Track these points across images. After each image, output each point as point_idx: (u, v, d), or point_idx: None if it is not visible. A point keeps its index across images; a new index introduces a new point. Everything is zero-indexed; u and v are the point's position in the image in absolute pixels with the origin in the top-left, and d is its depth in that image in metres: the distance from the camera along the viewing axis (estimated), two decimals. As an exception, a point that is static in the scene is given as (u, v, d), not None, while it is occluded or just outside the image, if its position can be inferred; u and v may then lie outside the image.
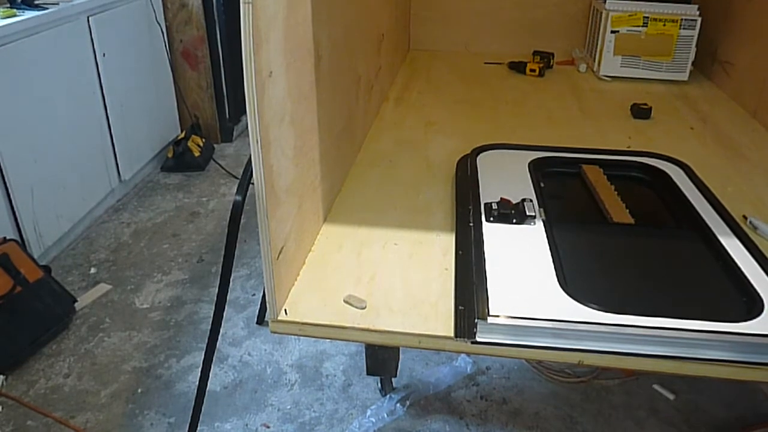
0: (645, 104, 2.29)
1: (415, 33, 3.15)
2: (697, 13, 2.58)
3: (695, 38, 2.59)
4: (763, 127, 2.23)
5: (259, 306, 2.17)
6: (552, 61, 2.85)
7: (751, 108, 2.35)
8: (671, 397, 1.81)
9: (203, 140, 3.39)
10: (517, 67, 2.80)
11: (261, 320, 2.12)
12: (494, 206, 1.49)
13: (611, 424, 1.73)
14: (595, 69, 2.76)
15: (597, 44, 2.73)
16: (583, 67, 2.84)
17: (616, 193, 1.63)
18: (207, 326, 2.06)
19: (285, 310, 1.25)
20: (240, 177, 1.44)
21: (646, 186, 1.74)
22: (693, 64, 2.65)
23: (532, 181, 1.66)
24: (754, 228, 1.54)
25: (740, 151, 2.04)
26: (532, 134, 2.13)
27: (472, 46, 3.13)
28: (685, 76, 2.66)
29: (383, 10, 2.29)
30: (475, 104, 2.41)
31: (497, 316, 1.14)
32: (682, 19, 2.56)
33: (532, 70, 2.75)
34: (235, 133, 3.76)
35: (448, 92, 2.55)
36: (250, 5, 0.96)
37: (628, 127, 2.21)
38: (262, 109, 1.05)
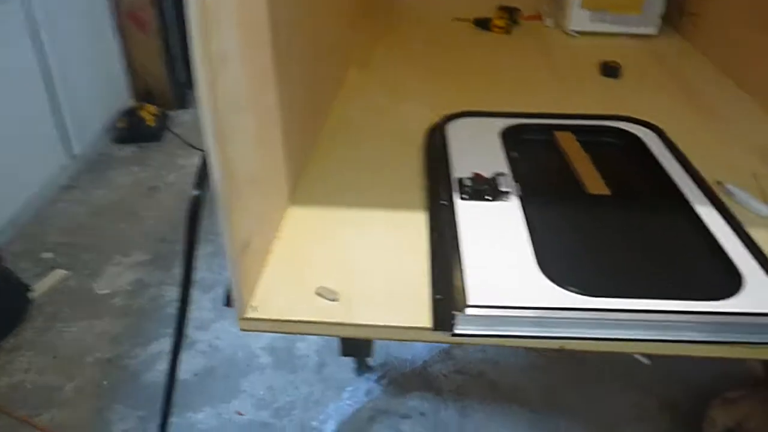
0: (614, 62, 2.22)
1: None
2: (666, -37, 2.50)
3: (664, -10, 2.52)
4: (732, 82, 2.20)
5: (226, 286, 2.10)
6: (517, 15, 2.76)
7: (720, 62, 2.31)
8: (647, 362, 1.82)
9: (157, 108, 3.23)
10: (483, 24, 2.70)
11: (229, 301, 2.04)
12: (467, 182, 1.43)
13: (589, 393, 1.74)
14: (562, 24, 2.68)
15: (564, -2, 2.64)
16: (550, 21, 2.76)
17: (590, 161, 1.59)
18: (173, 310, 1.98)
19: (254, 307, 1.18)
20: (198, 169, 1.34)
21: (620, 152, 1.69)
22: (662, 17, 2.58)
23: (505, 151, 1.60)
24: (730, 194, 1.52)
25: (712, 109, 2.00)
26: (502, 97, 2.06)
27: (439, 3, 3.01)
28: (654, 30, 2.60)
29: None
30: (442, 66, 2.31)
31: (476, 306, 1.10)
32: (650, -29, 2.49)
33: (499, 27, 2.66)
34: (191, 97, 3.59)
35: (413, 53, 2.45)
36: (195, -12, 0.85)
37: (598, 86, 2.15)
38: (215, 99, 0.96)
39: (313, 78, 1.72)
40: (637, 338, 1.10)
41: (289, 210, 1.44)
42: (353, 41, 2.47)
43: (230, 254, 1.10)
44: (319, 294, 1.22)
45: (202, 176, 1.24)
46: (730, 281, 1.18)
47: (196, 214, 1.33)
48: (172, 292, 2.08)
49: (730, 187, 1.53)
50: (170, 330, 1.54)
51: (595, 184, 1.49)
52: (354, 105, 1.99)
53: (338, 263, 1.29)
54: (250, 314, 1.17)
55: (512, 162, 1.55)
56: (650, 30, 2.60)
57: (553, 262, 1.21)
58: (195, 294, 2.10)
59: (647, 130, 1.73)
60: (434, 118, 1.84)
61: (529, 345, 1.14)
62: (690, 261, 1.27)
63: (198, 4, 0.87)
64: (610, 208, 1.44)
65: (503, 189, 1.41)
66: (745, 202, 1.49)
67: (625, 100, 2.05)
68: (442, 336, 1.12)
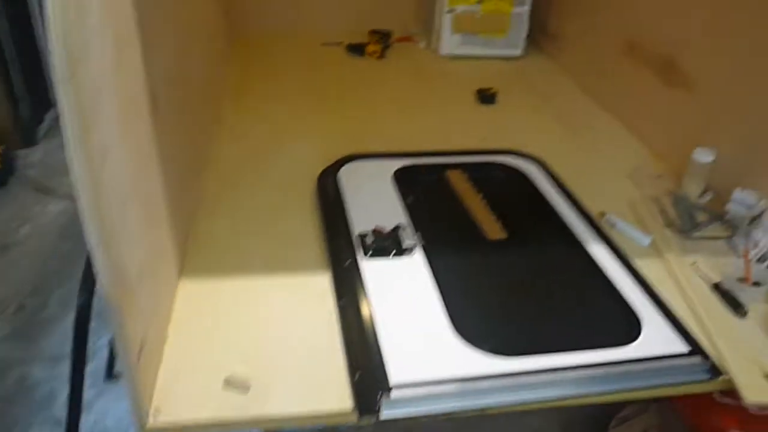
0: (490, 89, 2.29)
1: (238, 15, 2.85)
2: (527, -12, 2.62)
3: (527, 14, 2.63)
4: (595, 102, 2.34)
5: (107, 355, 1.90)
6: (391, 39, 2.76)
7: (583, 83, 2.46)
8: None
9: (1, 148, 2.87)
10: (357, 50, 2.66)
11: (111, 373, 1.85)
12: (368, 239, 1.39)
13: (490, 419, 1.77)
14: (434, 47, 2.72)
15: (434, 23, 2.67)
16: (422, 44, 2.78)
17: (484, 201, 1.60)
18: (43, 392, 1.76)
19: (156, 411, 1.06)
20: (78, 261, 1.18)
21: (510, 188, 1.73)
22: (527, 38, 2.70)
23: (400, 197, 1.58)
24: (612, 225, 1.60)
25: (583, 132, 2.11)
26: (386, 130, 2.04)
27: (304, 25, 2.93)
28: (520, 52, 2.71)
29: (205, 7, 2.02)
30: (320, 98, 2.25)
31: (400, 387, 1.05)
32: (514, -4, 2.59)
33: (373, 52, 2.64)
34: (39, 134, 3.23)
35: (288, 84, 2.36)
36: (71, 85, 0.73)
37: (477, 114, 2.20)
38: (99, 197, 0.84)
39: (193, 134, 1.59)
40: (552, 397, 1.12)
41: (181, 287, 1.32)
42: (225, 77, 2.33)
43: (126, 362, 0.97)
44: (228, 384, 1.12)
45: (87, 279, 1.09)
46: (629, 325, 1.23)
47: (83, 325, 1.17)
48: (41, 370, 1.84)
49: (611, 217, 1.62)
50: (45, 415, 1.35)
51: (492, 228, 1.51)
52: (235, 149, 1.87)
53: (242, 344, 1.19)
54: (153, 422, 1.04)
55: (409, 209, 1.53)
56: (517, 52, 2.71)
57: (467, 322, 1.20)
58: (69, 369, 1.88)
59: (531, 163, 1.79)
60: (322, 158, 1.78)
61: (456, 415, 1.12)
62: (592, 306, 1.32)
63: (74, 107, 0.75)
64: (510, 254, 1.46)
65: (406, 244, 1.38)
66: (627, 232, 1.58)
67: (505, 129, 2.11)
68: (368, 420, 1.07)
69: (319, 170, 1.70)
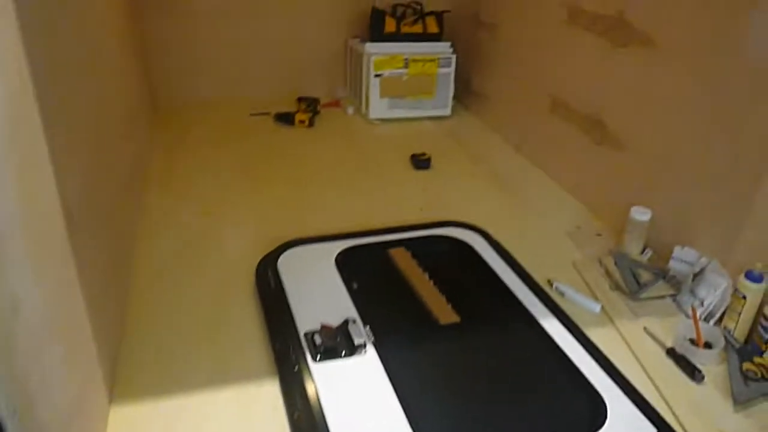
0: (423, 154, 2.27)
1: (163, 87, 2.76)
2: (452, 50, 2.65)
3: (452, 74, 2.66)
4: (527, 160, 2.37)
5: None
6: (319, 106, 2.72)
7: (511, 140, 2.49)
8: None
9: None
10: (285, 119, 2.61)
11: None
12: (317, 338, 1.31)
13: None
14: (363, 112, 2.70)
15: (362, 87, 2.66)
16: (350, 109, 2.76)
17: (431, 281, 1.55)
18: None
19: None
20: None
21: (455, 263, 1.69)
22: (454, 98, 2.73)
23: (345, 284, 1.51)
24: (561, 294, 1.58)
25: (518, 193, 2.12)
26: (323, 205, 1.98)
27: (230, 94, 2.86)
28: (448, 111, 2.73)
29: (124, 81, 1.92)
30: (251, 175, 2.17)
31: None
32: (439, 58, 2.61)
33: (302, 121, 2.59)
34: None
35: (217, 160, 2.27)
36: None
37: (413, 181, 2.18)
38: (11, 359, 0.73)
39: (114, 235, 1.48)
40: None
41: (113, 412, 1.18)
42: (148, 159, 2.22)
43: None
44: None
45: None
46: (594, 407, 1.19)
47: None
48: None
49: (560, 285, 1.60)
50: None
51: (443, 311, 1.45)
52: (164, 240, 1.75)
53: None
54: None
55: (356, 297, 1.45)
56: (445, 112, 2.73)
57: (425, 419, 1.13)
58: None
59: (474, 234, 1.76)
60: (259, 244, 1.69)
61: None
62: (554, 389, 1.27)
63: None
64: (464, 338, 1.40)
65: (357, 341, 1.30)
66: (577, 301, 1.56)
67: (443, 196, 2.09)
68: None
69: (257, 259, 1.61)
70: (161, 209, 1.91)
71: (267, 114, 2.69)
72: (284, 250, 1.63)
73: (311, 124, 2.60)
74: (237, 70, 2.84)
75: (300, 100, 2.70)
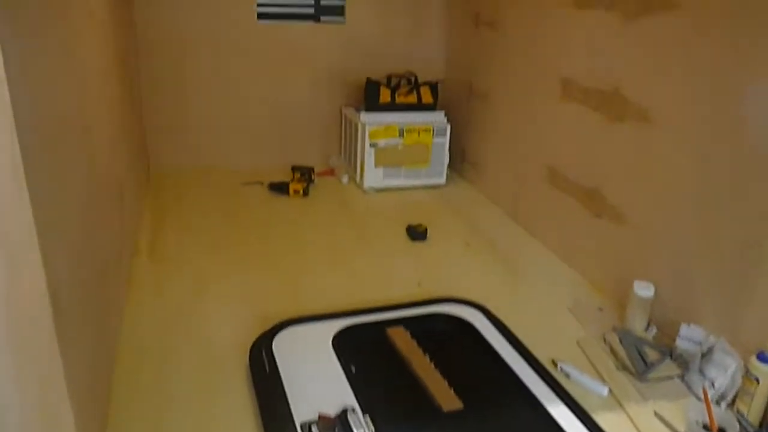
0: (419, 225, 2.25)
1: (154, 153, 2.75)
2: (446, 119, 2.67)
3: (447, 143, 2.67)
4: (524, 230, 2.35)
5: None
6: (313, 175, 2.71)
7: (508, 210, 2.47)
8: None
9: None
10: (280, 189, 2.59)
11: None
12: (314, 431, 1.24)
13: None
14: (358, 181, 2.69)
15: (357, 156, 2.66)
16: (345, 178, 2.75)
17: (432, 363, 1.50)
18: None
19: None
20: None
21: (456, 343, 1.63)
22: (448, 167, 2.73)
23: (342, 368, 1.44)
24: (567, 375, 1.53)
25: (516, 266, 2.08)
26: (319, 280, 1.93)
27: (223, 162, 2.85)
28: (443, 180, 2.73)
29: (116, 151, 1.90)
30: (245, 246, 2.13)
31: None
32: (434, 127, 2.62)
33: (296, 191, 2.57)
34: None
35: (209, 231, 2.23)
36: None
37: (410, 254, 2.14)
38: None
39: (101, 313, 1.42)
40: None
41: None
42: (138, 229, 2.18)
43: None
44: None
45: None
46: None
47: None
48: None
49: (565, 366, 1.55)
50: None
51: (446, 397, 1.39)
52: (152, 314, 1.69)
53: None
54: None
55: (354, 382, 1.39)
56: (440, 180, 2.72)
57: None
58: None
59: (474, 310, 1.71)
60: (253, 321, 1.64)
61: None
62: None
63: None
64: (469, 427, 1.33)
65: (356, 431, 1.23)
66: (583, 383, 1.50)
67: (440, 269, 2.05)
68: None
69: (250, 338, 1.55)
70: (150, 282, 1.86)
71: (260, 183, 2.67)
72: (279, 330, 1.57)
73: (306, 193, 2.58)
74: (230, 138, 2.85)
75: (294, 169, 2.69)
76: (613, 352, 1.64)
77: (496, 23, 2.50)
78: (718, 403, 1.44)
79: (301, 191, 2.57)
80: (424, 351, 1.54)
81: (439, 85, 2.71)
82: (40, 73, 1.01)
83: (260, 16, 2.68)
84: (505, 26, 2.45)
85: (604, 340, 1.68)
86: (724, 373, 1.46)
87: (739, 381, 1.43)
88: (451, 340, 1.64)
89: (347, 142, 2.82)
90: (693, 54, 1.55)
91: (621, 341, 1.66)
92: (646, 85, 1.72)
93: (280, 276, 1.94)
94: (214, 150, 2.85)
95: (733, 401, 1.44)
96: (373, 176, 2.63)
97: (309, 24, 2.76)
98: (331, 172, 2.85)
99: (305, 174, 2.66)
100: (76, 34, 1.39)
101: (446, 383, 1.43)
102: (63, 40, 1.25)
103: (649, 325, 1.73)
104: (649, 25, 1.68)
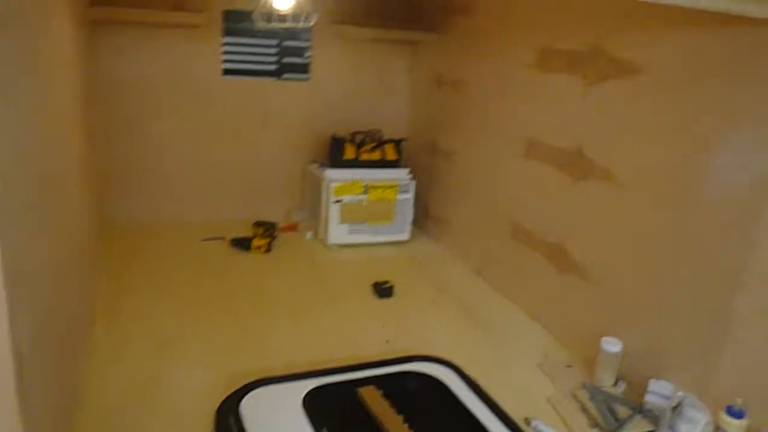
0: (386, 282, 2.23)
1: (112, 209, 2.67)
2: (410, 176, 2.70)
3: (412, 200, 2.69)
4: (490, 287, 2.36)
5: None
6: (276, 231, 2.68)
7: (474, 266, 2.49)
8: None
9: None
10: (242, 245, 2.55)
11: None
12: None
13: None
14: (322, 237, 2.67)
15: (321, 212, 2.65)
16: (309, 234, 2.73)
17: (406, 425, 1.45)
18: None
19: None
20: None
21: (429, 403, 1.60)
22: (412, 223, 2.75)
23: (314, 431, 1.39)
24: (541, 433, 1.52)
25: (484, 323, 2.08)
26: (286, 339, 1.88)
27: (183, 218, 2.79)
28: (407, 236, 2.74)
29: (79, 210, 1.84)
30: (208, 306, 2.06)
31: None
32: (398, 184, 2.65)
33: (259, 247, 2.53)
34: None
35: (170, 289, 2.15)
36: None
37: (377, 311, 2.11)
38: None
39: (64, 373, 1.34)
40: None
41: None
42: (96, 290, 2.09)
43: None
44: None
45: None
46: None
47: None
48: None
49: (538, 425, 1.53)
50: None
51: (421, 459, 1.35)
52: (113, 378, 1.60)
53: None
54: None
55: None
56: (404, 237, 2.73)
57: None
58: None
59: (444, 368, 1.69)
60: (219, 383, 1.57)
61: None
62: None
63: None
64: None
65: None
66: (557, 441, 1.49)
67: (409, 326, 2.03)
68: None
69: (216, 400, 1.48)
70: (111, 344, 1.77)
71: (222, 239, 2.62)
72: (247, 392, 1.51)
73: (269, 249, 2.54)
74: (190, 192, 2.80)
75: (257, 224, 2.65)
76: (584, 409, 1.63)
77: (459, 84, 2.58)
78: (690, 459, 1.44)
79: (265, 247, 2.53)
80: (397, 411, 1.50)
81: (403, 142, 2.76)
82: (12, 129, 0.98)
83: (226, 71, 2.69)
84: (468, 87, 2.52)
85: (575, 398, 1.68)
86: (694, 428, 1.47)
87: (709, 436, 1.45)
88: (423, 398, 1.61)
89: (311, 197, 2.81)
90: (653, 117, 1.63)
91: (591, 398, 1.67)
92: (608, 145, 1.79)
93: (245, 335, 1.89)
94: (174, 204, 2.79)
95: (705, 457, 1.45)
96: (338, 232, 2.62)
97: (274, 80, 2.78)
98: (294, 227, 2.82)
99: (268, 230, 2.63)
100: (48, 89, 1.37)
101: (421, 445, 1.40)
102: (38, 95, 1.22)
103: (617, 380, 1.74)
104: (611, 89, 1.76)
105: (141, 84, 2.61)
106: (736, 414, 1.37)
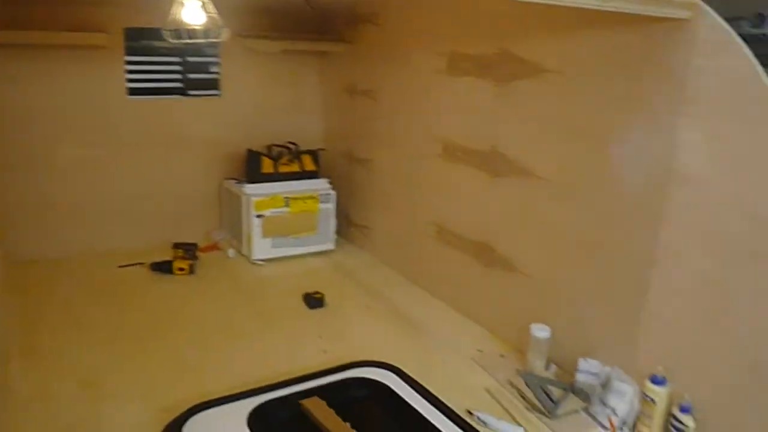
0: (316, 292, 2.23)
1: (14, 242, 2.49)
2: (330, 186, 2.71)
3: (333, 209, 2.70)
4: (419, 288, 2.41)
5: None
6: (197, 251, 2.60)
7: (402, 270, 2.53)
8: None
9: None
10: (162, 268, 2.46)
11: None
12: None
13: None
14: (246, 254, 2.62)
15: (242, 229, 2.60)
16: (232, 252, 2.68)
17: (355, 430, 1.46)
18: None
19: None
20: None
21: (375, 406, 1.61)
22: (336, 232, 2.75)
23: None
24: (484, 424, 1.56)
25: (418, 324, 2.12)
26: (220, 362, 1.83)
27: (96, 245, 2.66)
28: (332, 245, 2.74)
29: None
30: (132, 333, 1.97)
31: None
32: (319, 194, 2.65)
33: (181, 269, 2.45)
34: None
35: (90, 322, 2.03)
36: None
37: (310, 322, 2.10)
38: None
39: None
40: None
41: None
42: (6, 329, 1.95)
43: None
44: None
45: None
46: None
47: None
48: None
49: (480, 415, 1.58)
50: None
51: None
52: (33, 422, 1.50)
53: None
54: None
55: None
56: (329, 246, 2.73)
57: None
58: None
59: (386, 372, 1.71)
60: (152, 414, 1.51)
61: None
62: None
63: None
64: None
65: None
66: (500, 429, 1.54)
67: (344, 334, 2.04)
68: None
69: (156, 432, 1.43)
70: (28, 387, 1.65)
71: (141, 264, 2.52)
72: (187, 419, 1.46)
73: (192, 271, 2.47)
74: (102, 220, 2.67)
75: (176, 246, 2.57)
76: (521, 394, 1.70)
77: (372, 92, 2.62)
78: (622, 428, 1.54)
79: (187, 269, 2.45)
80: (344, 418, 1.50)
81: (319, 152, 2.76)
82: None
83: (131, 91, 2.60)
84: (381, 95, 2.57)
85: (511, 384, 1.75)
86: (623, 399, 1.57)
87: (637, 405, 1.55)
88: (369, 405, 1.62)
89: (231, 215, 2.76)
90: (562, 113, 1.73)
91: (527, 383, 1.74)
92: (522, 143, 1.88)
93: (178, 361, 1.82)
94: (85, 233, 2.65)
95: (635, 425, 1.55)
96: (262, 247, 2.59)
97: (182, 98, 2.72)
98: (215, 247, 2.76)
99: (189, 251, 2.55)
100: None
101: (373, 450, 1.41)
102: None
103: (549, 364, 1.82)
104: (521, 89, 1.86)
105: (41, 110, 2.47)
106: (660, 381, 1.48)
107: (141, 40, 2.58)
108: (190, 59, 2.70)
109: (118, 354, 1.85)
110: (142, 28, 2.56)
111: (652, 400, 1.48)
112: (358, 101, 2.74)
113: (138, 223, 2.75)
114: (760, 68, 1.26)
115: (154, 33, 2.58)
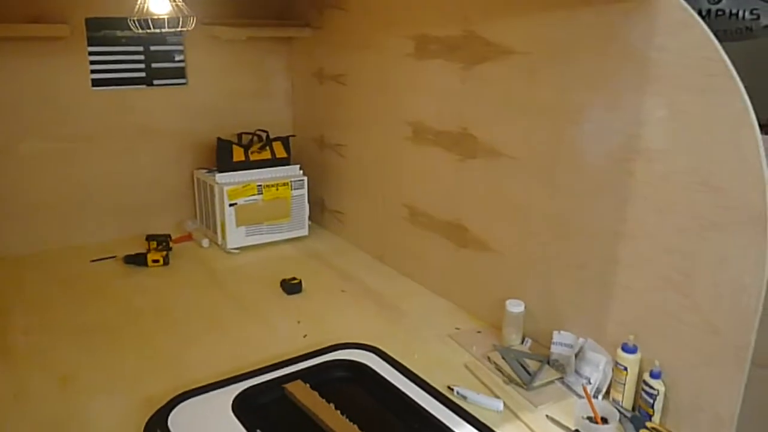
0: (293, 278, 2.24)
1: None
2: (301, 172, 2.71)
3: (306, 195, 2.71)
4: (395, 270, 2.44)
5: None
6: (171, 242, 2.59)
7: (376, 253, 2.56)
8: None
9: None
10: (137, 261, 2.44)
11: None
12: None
13: None
14: (220, 243, 2.62)
15: (216, 218, 2.60)
16: (206, 242, 2.67)
17: (338, 412, 1.49)
18: None
19: None
20: None
21: (357, 386, 1.65)
22: (309, 218, 2.76)
23: (248, 435, 1.39)
24: (464, 397, 1.61)
25: (395, 305, 2.16)
26: (201, 351, 1.84)
27: (66, 242, 2.62)
28: (305, 232, 2.75)
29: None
30: (110, 327, 1.97)
31: None
32: (291, 181, 2.65)
33: (155, 261, 2.44)
34: None
35: (65, 318, 2.02)
36: None
37: (289, 308, 2.12)
38: None
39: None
40: None
41: None
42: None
43: None
44: None
45: None
46: None
47: None
48: None
49: (460, 390, 1.63)
50: None
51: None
52: (14, 423, 1.49)
53: None
54: None
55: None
56: (303, 233, 2.74)
57: None
58: None
59: (366, 353, 1.74)
60: (136, 407, 1.52)
61: None
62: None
63: None
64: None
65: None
66: (480, 402, 1.59)
67: (323, 318, 2.06)
68: None
69: (140, 425, 1.43)
70: (6, 388, 1.64)
71: (114, 257, 2.50)
72: (173, 408, 1.47)
73: (167, 262, 2.46)
74: (71, 214, 2.64)
75: (149, 238, 2.55)
76: (498, 368, 1.75)
77: (341, 77, 2.62)
78: (595, 396, 1.60)
79: (161, 261, 2.44)
80: (328, 400, 1.53)
81: (290, 139, 2.76)
82: None
83: (95, 82, 2.55)
84: (349, 79, 2.57)
85: (489, 359, 1.80)
86: (596, 368, 1.63)
87: (610, 373, 1.61)
88: (352, 385, 1.65)
89: (204, 205, 2.74)
90: (529, 94, 1.77)
91: (503, 357, 1.79)
92: (491, 124, 1.91)
93: (158, 354, 1.82)
94: (54, 230, 2.61)
95: (608, 392, 1.61)
96: (236, 236, 2.58)
97: (148, 88, 2.68)
98: (188, 237, 2.74)
99: (162, 242, 2.54)
100: None
101: (357, 428, 1.43)
102: None
103: (524, 338, 1.88)
104: (488, 70, 1.88)
105: (2, 104, 2.41)
106: (630, 350, 1.54)
107: (103, 30, 2.53)
108: (153, 48, 2.66)
109: (96, 349, 1.85)
110: (103, 18, 2.52)
111: (624, 367, 1.54)
112: (327, 86, 2.74)
113: (108, 217, 2.72)
114: (717, 44, 1.31)
115: (117, 23, 2.54)
